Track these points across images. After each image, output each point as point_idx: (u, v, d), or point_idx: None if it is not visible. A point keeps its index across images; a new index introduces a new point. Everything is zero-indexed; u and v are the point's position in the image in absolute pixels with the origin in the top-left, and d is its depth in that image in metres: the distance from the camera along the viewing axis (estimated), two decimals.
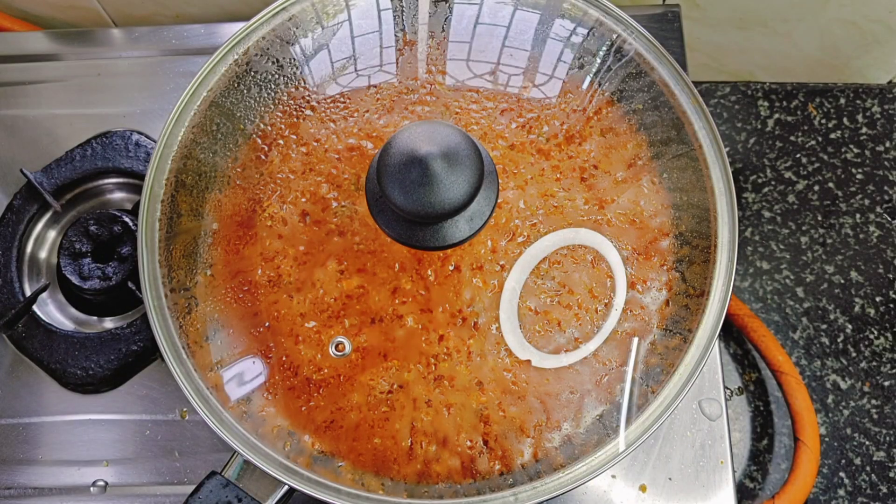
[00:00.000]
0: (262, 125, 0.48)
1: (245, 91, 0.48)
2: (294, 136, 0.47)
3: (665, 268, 0.46)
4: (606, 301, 0.44)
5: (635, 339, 0.44)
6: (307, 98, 0.48)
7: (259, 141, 0.48)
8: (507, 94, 0.48)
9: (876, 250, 0.68)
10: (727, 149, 0.72)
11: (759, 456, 0.63)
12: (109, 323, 0.59)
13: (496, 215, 0.44)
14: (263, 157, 0.47)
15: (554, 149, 0.47)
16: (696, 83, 0.49)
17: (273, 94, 0.48)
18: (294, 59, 0.49)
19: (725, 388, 0.54)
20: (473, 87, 0.48)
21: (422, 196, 0.37)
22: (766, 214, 0.70)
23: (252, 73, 0.48)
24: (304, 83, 0.49)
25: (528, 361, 0.43)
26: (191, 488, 0.43)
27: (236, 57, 0.48)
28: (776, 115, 0.73)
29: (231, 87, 0.48)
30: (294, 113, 0.48)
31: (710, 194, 0.46)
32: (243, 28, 0.48)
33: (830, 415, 0.63)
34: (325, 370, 0.43)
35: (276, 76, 0.49)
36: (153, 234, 0.46)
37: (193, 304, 0.45)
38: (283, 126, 0.48)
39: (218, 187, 0.47)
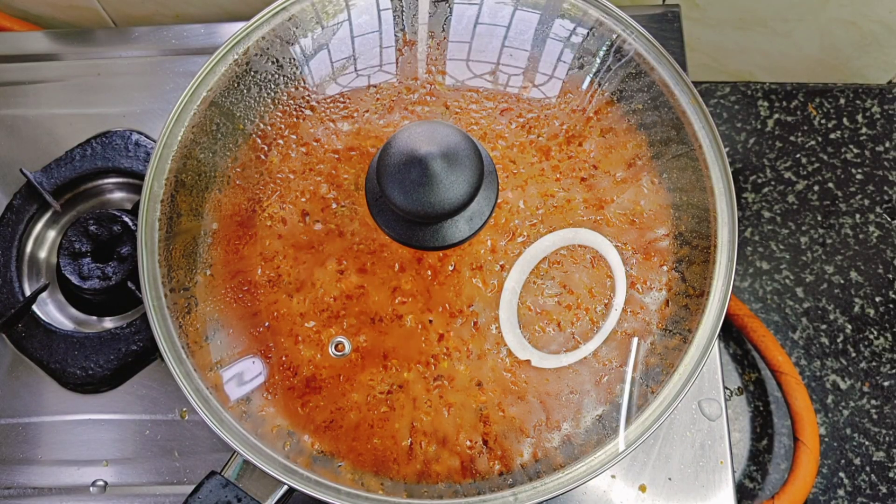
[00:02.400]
0: (261, 125, 0.48)
1: (245, 91, 0.48)
2: (294, 136, 0.47)
3: (665, 268, 0.46)
4: (606, 301, 0.44)
5: (635, 339, 0.44)
6: (307, 98, 0.48)
7: (259, 141, 0.48)
8: (507, 94, 0.48)
9: (876, 250, 0.68)
10: (727, 149, 0.72)
11: (759, 456, 0.63)
12: (109, 323, 0.59)
13: (496, 215, 0.44)
14: (263, 156, 0.47)
15: (554, 149, 0.47)
16: (696, 83, 0.49)
17: (273, 93, 0.48)
18: (294, 59, 0.49)
19: (725, 388, 0.54)
20: (473, 87, 0.48)
21: (421, 196, 0.37)
22: (766, 214, 0.70)
23: (252, 73, 0.48)
24: (304, 83, 0.49)
25: (528, 361, 0.43)
26: (190, 488, 0.43)
27: (236, 57, 0.48)
28: (776, 115, 0.73)
29: (231, 87, 0.48)
30: (294, 113, 0.48)
31: (709, 194, 0.46)
32: (243, 28, 0.48)
33: (830, 415, 0.63)
34: (325, 370, 0.43)
35: (276, 76, 0.49)
36: (153, 234, 0.46)
37: (193, 304, 0.45)
38: (282, 126, 0.48)
39: (218, 187, 0.47)
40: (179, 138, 0.47)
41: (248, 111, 0.48)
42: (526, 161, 0.46)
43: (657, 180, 0.47)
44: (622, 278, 0.45)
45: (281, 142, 0.47)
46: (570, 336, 0.44)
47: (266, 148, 0.47)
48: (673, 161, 0.47)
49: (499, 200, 0.42)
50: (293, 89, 0.48)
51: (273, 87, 0.48)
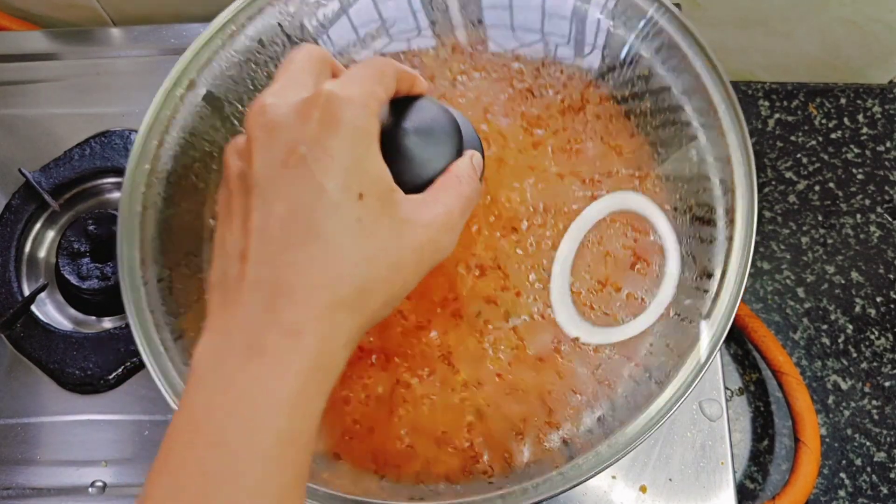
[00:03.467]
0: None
1: (234, 76, 0.47)
2: None
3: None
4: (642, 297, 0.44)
5: (636, 340, 0.44)
6: None
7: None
8: (516, 70, 0.47)
9: (877, 250, 0.68)
10: None
11: (760, 457, 0.62)
12: (108, 323, 0.59)
13: (506, 208, 0.44)
14: None
15: (567, 114, 0.46)
16: None
17: (264, 81, 0.48)
18: (286, 45, 0.48)
19: (726, 388, 0.54)
20: (480, 62, 0.47)
21: (396, 173, 0.35)
22: (767, 214, 0.70)
23: (245, 60, 0.47)
24: None
25: (528, 362, 0.43)
26: None
27: (224, 39, 0.46)
28: (776, 115, 0.73)
29: (219, 73, 0.47)
30: None
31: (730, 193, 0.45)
32: (232, 8, 0.46)
33: (831, 415, 0.63)
34: None
35: (266, 60, 0.48)
36: (134, 228, 0.44)
37: (190, 303, 0.45)
38: None
39: (206, 179, 0.47)
40: (164, 127, 0.45)
41: (238, 98, 0.47)
42: (535, 140, 0.46)
43: (664, 173, 0.47)
44: (622, 278, 0.45)
45: None
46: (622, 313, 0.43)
47: None
48: (686, 138, 0.46)
49: (505, 191, 0.42)
50: None
51: (265, 74, 0.47)
